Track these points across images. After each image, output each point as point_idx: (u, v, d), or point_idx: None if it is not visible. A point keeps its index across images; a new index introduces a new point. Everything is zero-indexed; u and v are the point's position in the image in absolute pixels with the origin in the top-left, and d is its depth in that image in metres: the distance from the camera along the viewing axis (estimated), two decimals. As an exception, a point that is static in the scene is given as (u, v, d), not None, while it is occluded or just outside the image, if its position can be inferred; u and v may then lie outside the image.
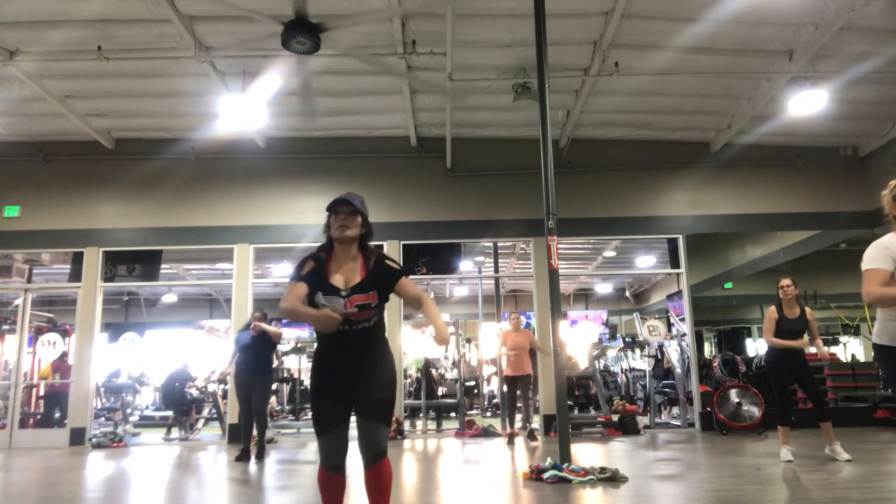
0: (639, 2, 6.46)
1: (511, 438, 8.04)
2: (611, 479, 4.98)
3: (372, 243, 2.93)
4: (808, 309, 5.96)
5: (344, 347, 2.77)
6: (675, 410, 10.07)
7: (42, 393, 9.95)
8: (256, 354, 6.95)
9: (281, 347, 9.26)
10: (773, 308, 6.00)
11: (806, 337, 5.96)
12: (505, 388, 8.48)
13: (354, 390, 2.76)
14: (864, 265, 2.98)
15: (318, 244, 2.91)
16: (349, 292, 2.73)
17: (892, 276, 2.94)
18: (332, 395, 2.77)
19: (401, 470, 6.16)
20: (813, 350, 6.27)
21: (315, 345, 2.97)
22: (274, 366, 8.27)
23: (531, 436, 8.01)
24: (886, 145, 9.24)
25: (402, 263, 2.92)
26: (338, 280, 2.76)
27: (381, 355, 2.85)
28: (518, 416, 8.43)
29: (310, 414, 10.71)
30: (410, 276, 2.93)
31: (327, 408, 2.76)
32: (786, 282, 5.98)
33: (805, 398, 7.05)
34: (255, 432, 6.98)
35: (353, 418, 2.79)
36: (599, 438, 8.32)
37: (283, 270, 13.55)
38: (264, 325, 6.96)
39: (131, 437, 9.22)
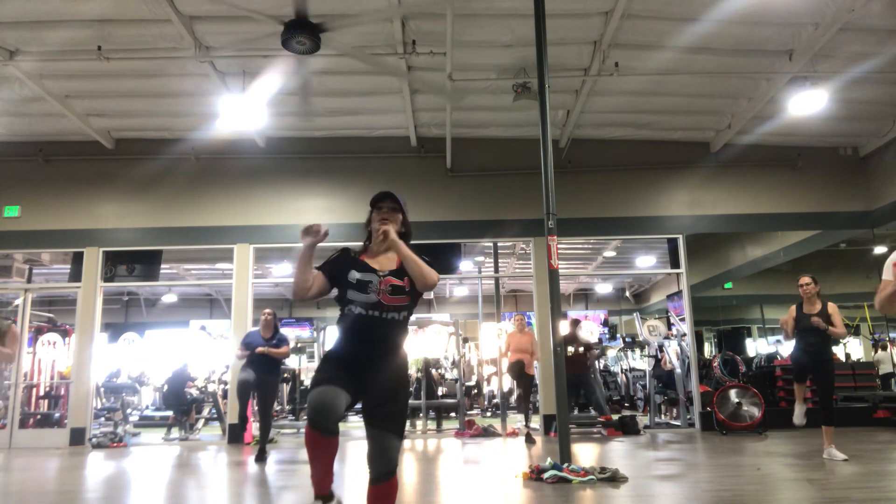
0: (639, 2, 6.45)
1: (529, 437, 7.87)
2: (611, 479, 4.99)
3: None
4: (830, 304, 5.95)
5: (367, 334, 2.67)
6: (675, 411, 10.06)
7: (60, 393, 9.91)
8: (266, 355, 6.92)
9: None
10: (793, 307, 6.05)
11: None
12: (513, 385, 8.38)
13: (365, 380, 2.63)
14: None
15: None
16: (385, 273, 2.73)
17: None
18: (341, 370, 2.62)
19: (401, 470, 6.15)
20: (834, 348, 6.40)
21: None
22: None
23: (528, 438, 7.98)
24: (886, 145, 9.23)
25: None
26: (373, 264, 2.77)
27: (398, 357, 2.76)
28: (517, 416, 8.43)
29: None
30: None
31: (332, 371, 2.62)
32: (804, 280, 5.98)
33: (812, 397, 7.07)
34: (256, 432, 6.96)
35: (360, 423, 2.71)
36: (599, 438, 8.33)
37: (283, 270, 13.55)
38: (269, 350, 6.87)
39: (131, 437, 9.21)
